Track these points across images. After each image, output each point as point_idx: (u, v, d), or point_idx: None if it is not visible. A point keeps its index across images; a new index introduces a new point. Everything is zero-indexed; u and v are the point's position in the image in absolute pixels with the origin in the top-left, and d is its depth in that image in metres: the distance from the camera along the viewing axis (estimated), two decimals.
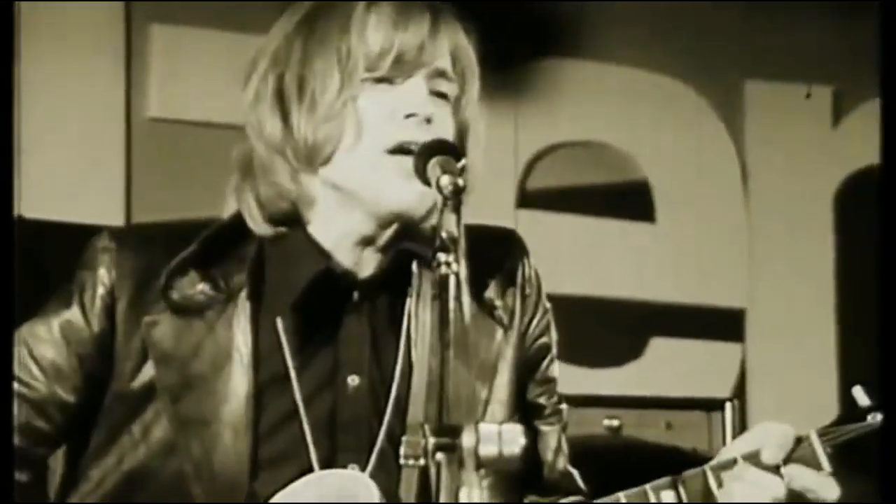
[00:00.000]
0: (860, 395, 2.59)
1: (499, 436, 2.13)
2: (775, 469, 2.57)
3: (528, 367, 2.82)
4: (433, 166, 2.49)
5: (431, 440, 2.14)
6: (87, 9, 5.61)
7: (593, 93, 6.27)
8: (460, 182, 2.42)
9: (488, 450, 2.12)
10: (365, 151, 2.62)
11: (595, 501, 2.61)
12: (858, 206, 6.48)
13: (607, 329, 6.11)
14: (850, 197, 6.51)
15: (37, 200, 5.43)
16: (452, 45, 2.69)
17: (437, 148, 2.54)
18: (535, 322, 2.83)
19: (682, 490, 2.59)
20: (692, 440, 4.63)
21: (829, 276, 6.42)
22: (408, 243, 2.68)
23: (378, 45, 2.62)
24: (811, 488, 2.57)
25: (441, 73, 2.66)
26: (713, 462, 2.60)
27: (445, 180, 2.43)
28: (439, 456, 2.14)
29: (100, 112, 5.65)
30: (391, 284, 2.71)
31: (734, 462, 2.58)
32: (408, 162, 2.57)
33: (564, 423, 2.88)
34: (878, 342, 2.52)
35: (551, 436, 2.85)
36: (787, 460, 2.57)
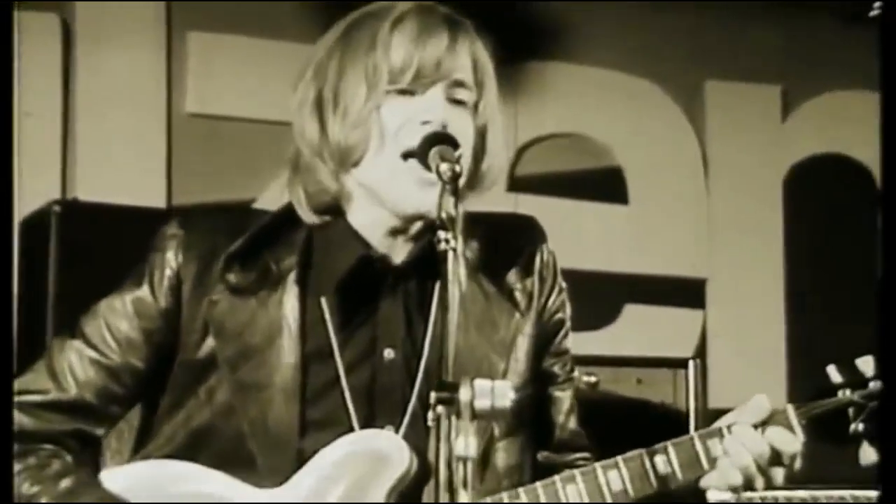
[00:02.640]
0: (833, 374, 2.57)
1: (491, 391, 2.14)
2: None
3: (544, 340, 2.82)
4: (433, 155, 2.49)
5: (433, 395, 2.15)
6: (133, 19, 5.59)
7: (574, 91, 6.26)
8: (457, 168, 2.43)
9: (482, 403, 2.13)
10: (386, 157, 2.61)
11: (596, 464, 2.59)
12: (804, 190, 6.48)
13: (586, 297, 6.06)
14: (797, 182, 6.51)
15: (91, 185, 5.43)
16: (471, 56, 2.68)
17: (436, 139, 2.53)
18: (551, 300, 2.84)
19: (673, 456, 2.58)
20: (660, 394, 4.61)
21: (778, 250, 6.40)
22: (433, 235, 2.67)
23: (400, 61, 2.61)
24: (786, 449, 2.55)
25: (459, 83, 2.65)
26: (701, 430, 2.59)
27: (444, 167, 2.44)
28: (440, 408, 2.14)
29: (145, 107, 5.63)
30: (421, 270, 2.69)
31: (719, 431, 2.57)
32: (416, 170, 2.57)
33: (575, 387, 2.87)
34: (878, 342, 2.51)
35: (564, 400, 2.85)
36: (766, 427, 2.56)
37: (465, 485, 2.09)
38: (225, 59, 5.69)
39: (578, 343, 5.87)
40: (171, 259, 2.68)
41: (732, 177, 6.44)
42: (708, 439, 2.57)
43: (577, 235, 6.17)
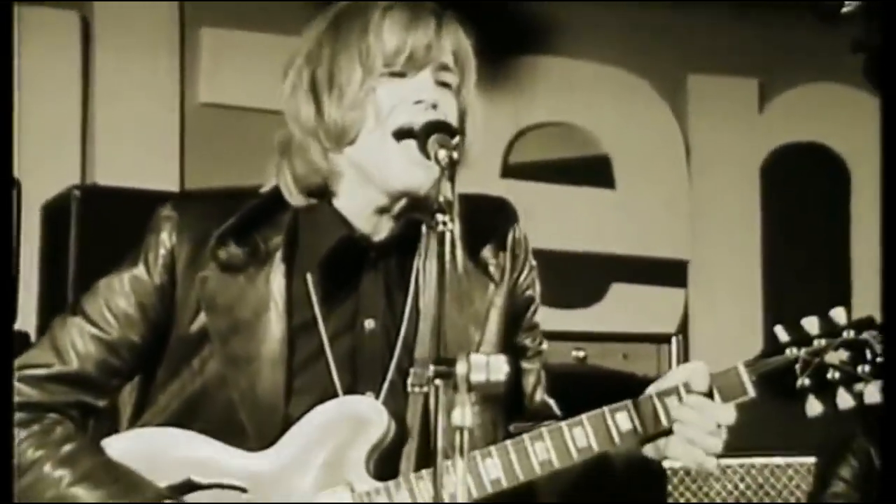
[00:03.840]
0: (780, 333, 2.58)
1: (487, 365, 2.14)
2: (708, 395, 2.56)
3: (515, 315, 2.80)
4: (432, 143, 2.49)
5: (431, 369, 2.15)
6: (148, 16, 5.59)
7: (565, 84, 6.25)
8: (454, 155, 2.43)
9: (478, 376, 2.13)
10: (380, 136, 2.61)
11: (562, 422, 2.59)
12: (780, 176, 6.48)
13: (576, 277, 6.10)
14: (773, 168, 6.50)
15: (109, 170, 5.44)
16: (454, 43, 2.66)
17: (434, 127, 2.52)
18: (522, 277, 2.81)
19: (633, 414, 2.58)
20: (644, 368, 4.62)
21: (755, 232, 6.40)
22: (416, 213, 2.66)
23: (393, 45, 2.61)
24: (722, 419, 2.55)
25: (445, 67, 2.64)
26: (657, 390, 2.58)
27: (442, 154, 2.43)
28: (437, 382, 2.14)
29: (159, 98, 5.64)
30: (402, 246, 2.70)
31: (675, 389, 2.57)
32: (413, 147, 2.56)
33: (544, 361, 2.86)
34: (881, 343, 2.55)
35: (532, 373, 2.83)
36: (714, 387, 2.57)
37: (461, 452, 2.08)
38: (235, 53, 5.70)
39: (568, 320, 5.88)
40: (166, 239, 2.68)
41: (713, 164, 6.43)
42: (665, 397, 2.57)
43: (567, 219, 6.16)
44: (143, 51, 5.58)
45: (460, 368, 2.12)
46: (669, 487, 4.20)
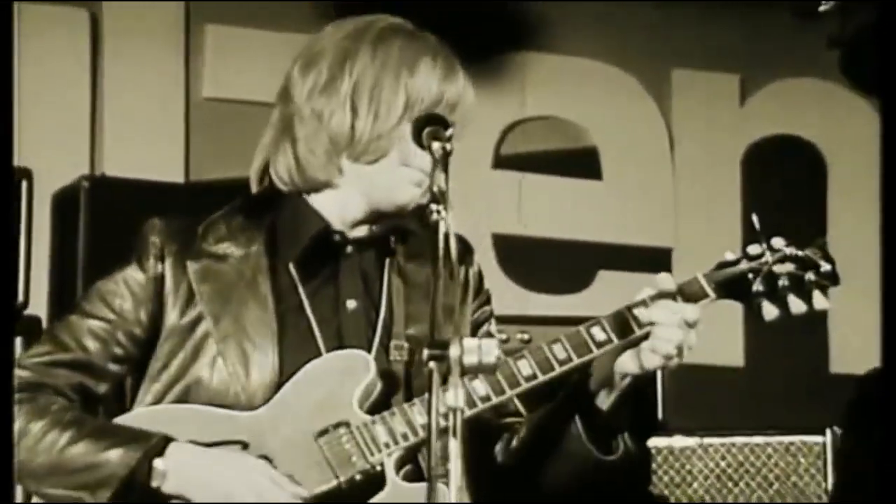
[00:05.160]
0: (729, 255, 2.73)
1: (479, 348, 2.15)
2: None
3: (477, 324, 2.85)
4: (426, 134, 2.49)
5: (426, 352, 2.16)
6: (155, 13, 5.58)
7: (554, 79, 6.24)
8: (448, 147, 2.43)
9: (470, 359, 2.15)
10: (397, 165, 2.68)
11: (541, 343, 2.65)
12: (760, 167, 6.47)
13: (565, 264, 6.09)
14: (754, 160, 6.50)
15: (116, 162, 5.43)
16: (469, 102, 2.74)
17: (429, 120, 2.53)
18: (480, 293, 2.87)
19: (606, 326, 2.65)
20: None
21: (736, 222, 6.39)
22: (396, 221, 2.74)
23: (434, 95, 2.67)
24: (689, 316, 2.63)
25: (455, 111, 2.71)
26: (628, 303, 2.65)
27: (436, 146, 2.44)
28: (432, 364, 2.14)
29: (165, 92, 5.63)
30: (377, 244, 2.76)
31: (643, 301, 2.64)
32: (416, 169, 2.65)
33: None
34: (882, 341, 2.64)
35: None
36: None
37: (454, 433, 2.09)
38: (238, 50, 5.69)
39: (557, 305, 5.87)
40: (156, 240, 2.72)
41: (696, 155, 6.43)
42: (635, 309, 2.64)
43: (556, 208, 6.16)
44: (149, 47, 5.57)
45: (453, 351, 2.12)
46: (653, 466, 4.21)
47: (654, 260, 6.23)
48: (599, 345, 2.63)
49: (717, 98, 6.46)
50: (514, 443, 2.76)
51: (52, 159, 4.97)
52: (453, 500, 2.06)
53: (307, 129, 2.69)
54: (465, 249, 2.84)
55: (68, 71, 5.46)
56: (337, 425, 2.60)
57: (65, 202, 4.19)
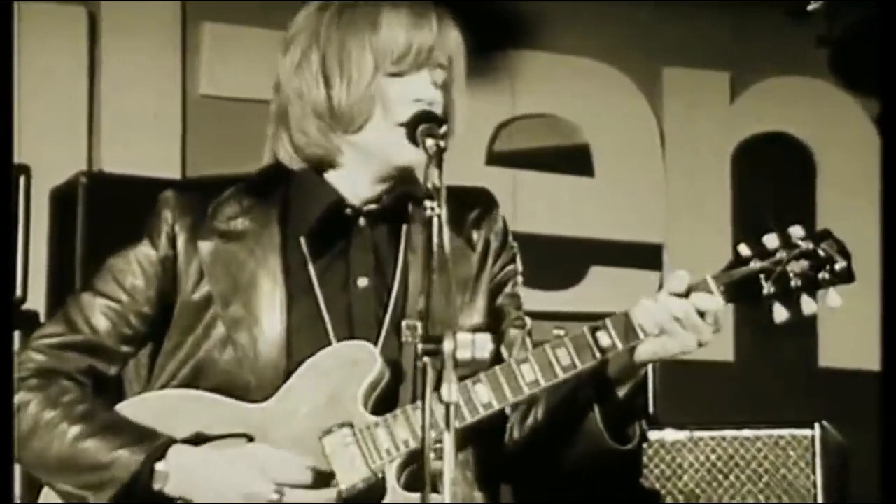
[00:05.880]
0: (743, 249, 2.63)
1: (472, 343, 2.15)
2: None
3: (499, 285, 2.81)
4: (420, 132, 2.49)
5: (420, 346, 2.15)
6: (153, 12, 5.57)
7: (547, 76, 6.24)
8: (442, 144, 2.44)
9: (464, 354, 2.15)
10: (385, 124, 2.63)
11: (545, 345, 2.62)
12: (749, 164, 6.47)
13: (557, 260, 6.09)
14: (744, 157, 6.49)
15: (114, 158, 5.42)
16: (451, 43, 2.69)
17: (423, 118, 2.53)
18: (503, 253, 2.82)
19: (612, 331, 2.62)
20: None
21: (727, 218, 6.40)
22: (406, 187, 2.69)
23: (401, 45, 2.63)
24: (709, 307, 2.60)
25: (440, 66, 2.67)
26: (632, 306, 2.64)
27: (430, 142, 2.45)
28: (426, 359, 2.13)
29: (162, 90, 5.62)
30: (390, 216, 2.72)
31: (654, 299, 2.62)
32: (405, 133, 2.60)
33: (528, 329, 2.86)
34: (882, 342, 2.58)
35: (517, 337, 2.83)
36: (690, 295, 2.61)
37: (448, 426, 2.08)
38: (235, 47, 5.68)
39: (549, 301, 5.86)
40: (168, 216, 2.70)
41: (686, 152, 6.43)
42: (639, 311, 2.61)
43: (549, 205, 6.16)
44: (147, 45, 5.56)
45: (447, 346, 2.12)
46: (644, 459, 4.21)
47: (646, 256, 6.23)
48: (604, 349, 2.61)
49: (707, 96, 6.46)
50: (529, 420, 2.75)
51: (50, 156, 4.97)
52: (447, 497, 2.05)
53: (294, 111, 2.69)
54: (485, 208, 2.81)
55: (66, 68, 5.45)
56: (341, 426, 2.59)
57: (63, 198, 4.17)
